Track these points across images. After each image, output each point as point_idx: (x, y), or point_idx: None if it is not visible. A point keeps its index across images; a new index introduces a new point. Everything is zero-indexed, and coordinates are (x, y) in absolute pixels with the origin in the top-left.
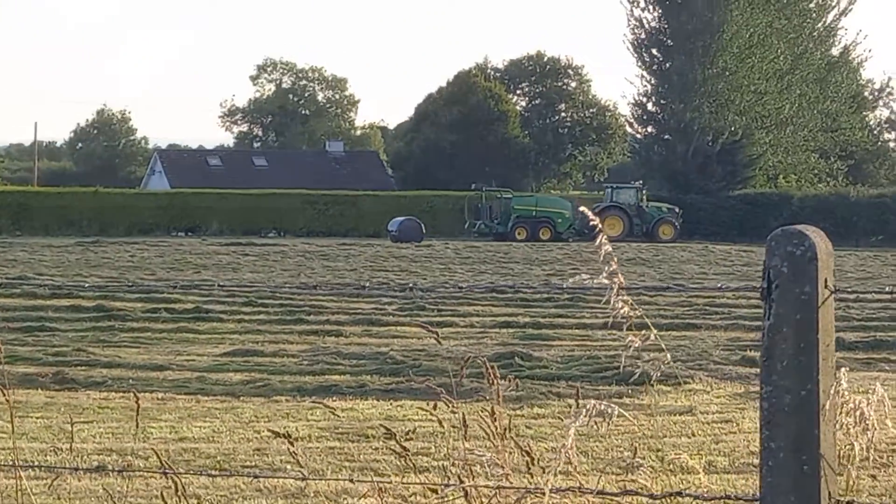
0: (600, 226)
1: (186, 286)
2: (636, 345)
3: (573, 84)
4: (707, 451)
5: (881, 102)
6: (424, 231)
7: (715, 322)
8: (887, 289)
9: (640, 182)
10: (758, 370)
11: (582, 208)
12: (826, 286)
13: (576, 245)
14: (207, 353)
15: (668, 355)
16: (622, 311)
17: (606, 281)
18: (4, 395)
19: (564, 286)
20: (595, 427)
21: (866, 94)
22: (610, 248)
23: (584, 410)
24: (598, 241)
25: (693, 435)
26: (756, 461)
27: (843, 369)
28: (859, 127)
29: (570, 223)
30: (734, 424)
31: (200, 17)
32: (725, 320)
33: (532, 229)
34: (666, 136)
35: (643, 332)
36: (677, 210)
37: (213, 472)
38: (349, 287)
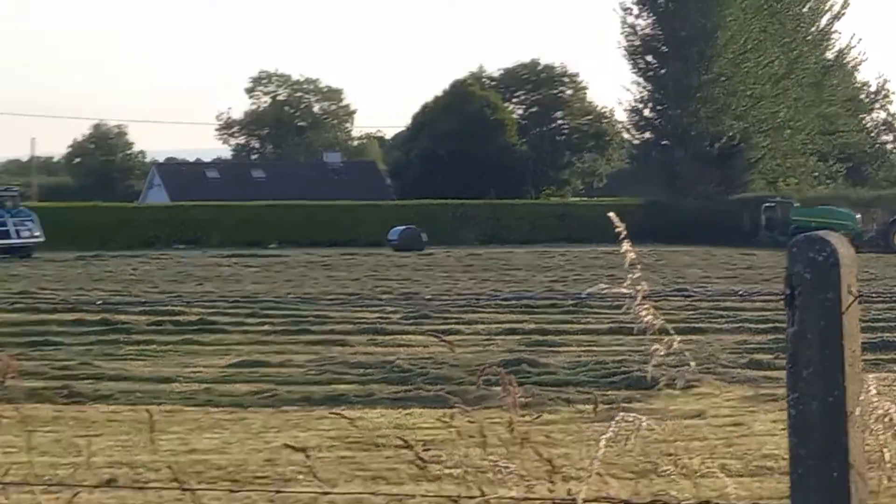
0: (624, 232)
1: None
2: (661, 352)
3: (569, 91)
4: (720, 455)
5: (877, 105)
6: (425, 239)
7: (721, 325)
8: None
9: None
10: (766, 373)
11: (610, 214)
12: (850, 291)
13: (578, 251)
14: (214, 364)
15: (693, 364)
16: (646, 319)
17: (626, 290)
18: (17, 410)
19: (583, 295)
20: (624, 437)
21: (862, 96)
22: (634, 255)
23: (614, 423)
24: (623, 247)
25: (704, 439)
26: (769, 464)
27: (871, 375)
28: (857, 129)
29: (856, 235)
30: (745, 427)
31: (196, 31)
32: (731, 323)
33: None
34: (664, 142)
35: (665, 338)
36: None
37: (229, 487)
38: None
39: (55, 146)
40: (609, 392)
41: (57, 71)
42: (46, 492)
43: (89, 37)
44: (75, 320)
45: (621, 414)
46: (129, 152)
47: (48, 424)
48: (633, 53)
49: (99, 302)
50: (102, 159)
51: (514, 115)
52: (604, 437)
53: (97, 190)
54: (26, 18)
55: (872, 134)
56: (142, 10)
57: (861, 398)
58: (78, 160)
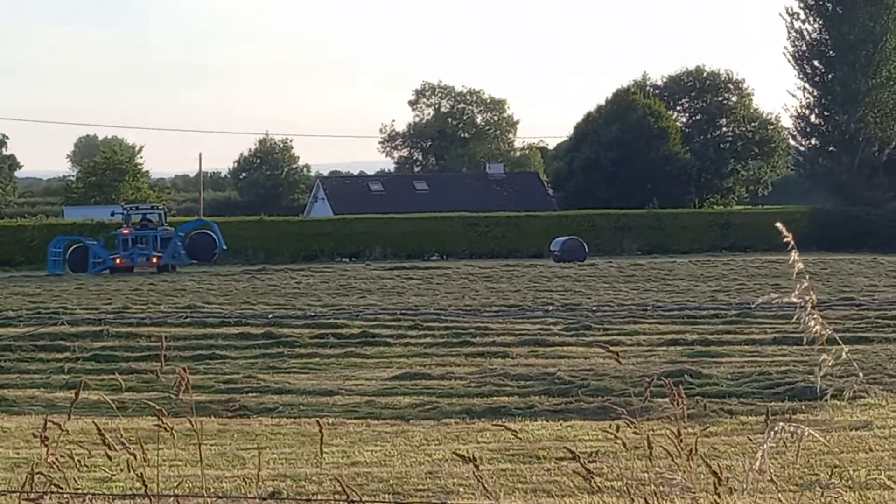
0: (792, 242)
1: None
2: (829, 363)
3: (734, 98)
4: (886, 467)
5: None
6: (587, 250)
7: (888, 335)
8: None
9: None
10: None
11: (777, 224)
12: None
13: (741, 260)
14: (376, 377)
15: (861, 374)
16: (814, 329)
17: (796, 299)
18: (192, 423)
19: (753, 305)
20: (784, 446)
21: None
22: (802, 266)
23: (773, 433)
24: (791, 257)
25: (871, 450)
26: None
27: None
28: None
29: None
30: None
31: (359, 45)
32: None
33: None
34: (830, 148)
35: (833, 348)
36: None
37: (391, 500)
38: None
39: (222, 161)
40: (773, 403)
41: (223, 88)
42: None
43: (254, 53)
44: (240, 334)
45: (781, 424)
46: (294, 166)
47: (214, 437)
48: (800, 58)
49: (271, 316)
50: (268, 173)
51: (678, 123)
52: (762, 446)
53: (262, 204)
54: (195, 40)
55: None
56: (306, 25)
57: None
58: (244, 175)
